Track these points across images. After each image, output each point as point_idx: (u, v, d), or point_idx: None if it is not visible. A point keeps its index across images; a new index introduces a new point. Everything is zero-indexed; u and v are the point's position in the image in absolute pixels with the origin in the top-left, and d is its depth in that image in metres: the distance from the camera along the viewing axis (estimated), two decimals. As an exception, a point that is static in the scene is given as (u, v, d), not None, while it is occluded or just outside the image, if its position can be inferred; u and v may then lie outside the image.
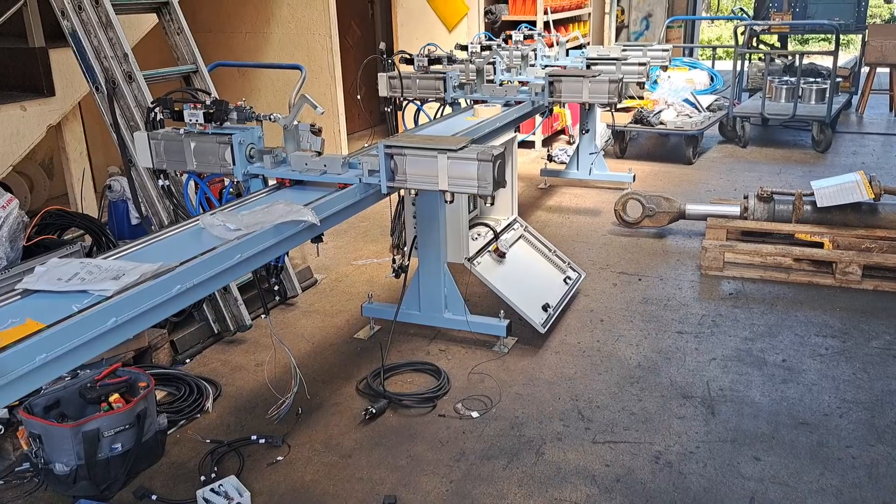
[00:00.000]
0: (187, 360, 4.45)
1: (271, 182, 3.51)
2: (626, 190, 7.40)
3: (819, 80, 9.94)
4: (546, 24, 8.79)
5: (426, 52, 5.50)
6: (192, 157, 3.47)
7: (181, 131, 3.49)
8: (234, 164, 3.40)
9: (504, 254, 4.71)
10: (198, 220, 2.84)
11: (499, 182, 3.06)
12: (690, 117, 8.65)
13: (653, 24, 12.06)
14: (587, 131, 6.68)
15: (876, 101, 11.41)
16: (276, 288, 3.61)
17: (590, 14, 10.29)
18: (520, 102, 5.24)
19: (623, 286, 5.30)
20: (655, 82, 9.41)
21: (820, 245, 5.48)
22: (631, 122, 8.62)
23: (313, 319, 4.96)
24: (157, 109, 3.57)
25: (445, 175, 3.09)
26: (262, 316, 4.96)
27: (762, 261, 5.50)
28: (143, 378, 3.59)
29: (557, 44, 7.17)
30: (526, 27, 7.12)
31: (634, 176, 7.45)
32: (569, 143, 9.40)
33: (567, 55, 7.17)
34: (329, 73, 7.41)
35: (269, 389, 4.05)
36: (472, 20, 8.84)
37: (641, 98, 9.15)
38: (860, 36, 11.26)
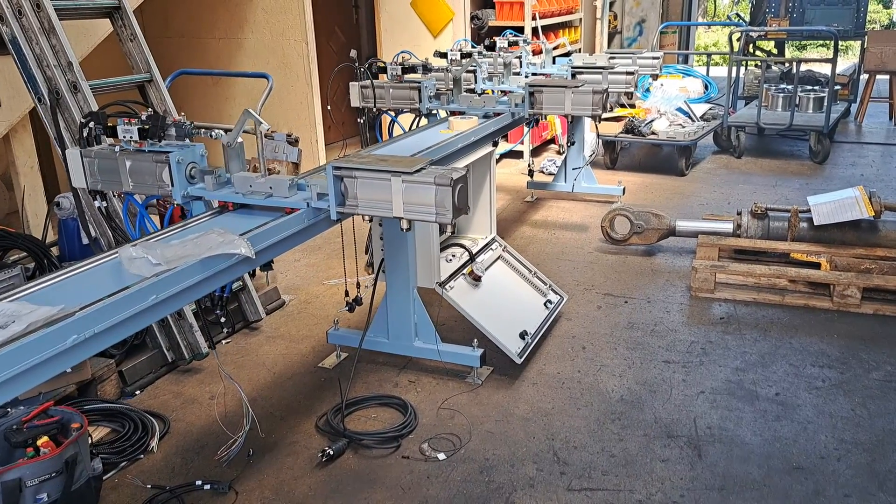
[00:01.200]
0: (137, 392, 4.13)
1: (217, 205, 3.20)
2: (614, 204, 7.11)
3: (817, 87, 9.64)
4: (534, 29, 8.49)
5: (400, 60, 5.19)
6: (127, 178, 3.16)
7: (117, 148, 3.18)
8: (172, 185, 3.09)
9: (479, 277, 4.40)
10: (117, 252, 2.53)
11: (460, 209, 2.76)
12: (683, 127, 8.34)
13: (646, 30, 11.76)
14: (573, 143, 6.37)
15: (875, 109, 11.12)
16: (223, 320, 3.29)
17: (581, 19, 10.00)
18: (499, 114, 4.93)
19: (608, 309, 4.99)
20: (648, 90, 9.11)
21: (816, 265, 5.18)
22: (622, 132, 8.32)
23: (277, 346, 4.65)
24: (90, 124, 3.26)
25: (400, 200, 2.78)
26: (224, 342, 4.67)
27: (756, 282, 5.19)
28: (76, 418, 3.27)
29: (544, 51, 6.86)
30: (511, 33, 6.81)
31: (624, 189, 7.15)
32: (559, 153, 9.10)
33: (553, 63, 6.87)
34: (305, 81, 7.11)
35: (221, 426, 3.73)
36: (457, 26, 8.54)
37: (633, 107, 8.85)
38: (859, 42, 10.96)
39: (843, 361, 4.26)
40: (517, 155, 8.98)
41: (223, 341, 4.68)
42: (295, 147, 7.54)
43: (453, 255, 4.54)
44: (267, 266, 3.21)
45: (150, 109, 3.21)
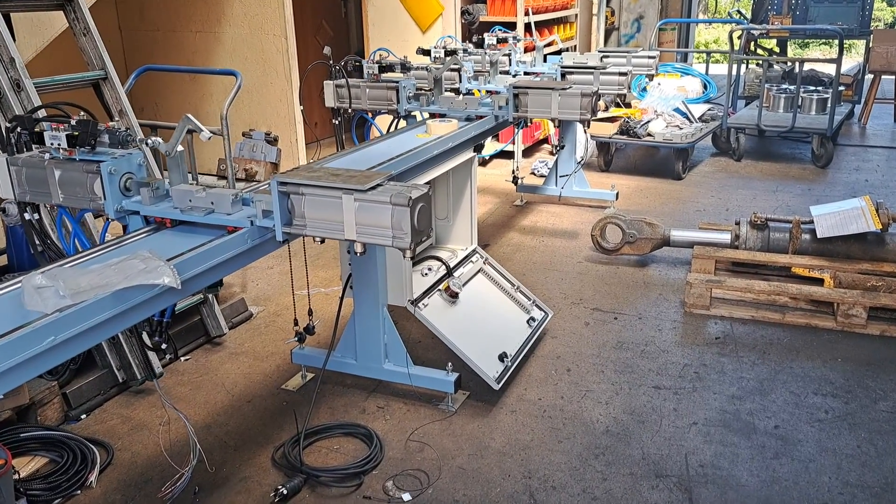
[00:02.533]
0: (82, 416, 3.81)
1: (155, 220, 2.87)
2: (607, 209, 6.79)
3: (820, 88, 9.31)
4: (527, 25, 8.16)
5: (377, 58, 4.86)
6: (57, 189, 2.84)
7: (46, 157, 2.85)
8: (104, 198, 2.76)
9: (457, 294, 4.08)
10: (20, 281, 2.20)
11: (420, 231, 2.43)
12: (681, 129, 8.01)
13: (644, 27, 11.41)
14: (563, 147, 6.04)
15: (880, 110, 10.78)
16: (164, 347, 2.97)
17: (577, 15, 9.66)
18: (481, 117, 4.61)
19: (596, 326, 4.67)
20: (644, 90, 8.78)
21: (819, 281, 4.86)
22: (616, 133, 7.98)
23: (239, 364, 4.33)
24: (17, 129, 2.93)
25: (353, 221, 2.46)
26: (182, 359, 4.35)
27: (754, 298, 4.87)
28: (0, 454, 2.96)
29: (535, 49, 6.53)
30: (500, 29, 6.48)
31: (617, 193, 6.82)
32: (551, 153, 8.76)
33: (545, 61, 6.54)
34: (285, 78, 6.78)
35: (168, 459, 3.41)
36: (447, 21, 8.21)
37: (629, 106, 8.51)
38: (864, 41, 10.62)
39: (847, 390, 3.94)
40: (508, 155, 8.64)
41: (181, 358, 4.36)
42: (274, 146, 7.24)
43: (429, 269, 4.23)
44: (213, 287, 2.89)
45: (81, 113, 2.88)
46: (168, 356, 3.04)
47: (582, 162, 6.54)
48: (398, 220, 2.39)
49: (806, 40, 17.33)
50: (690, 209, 6.89)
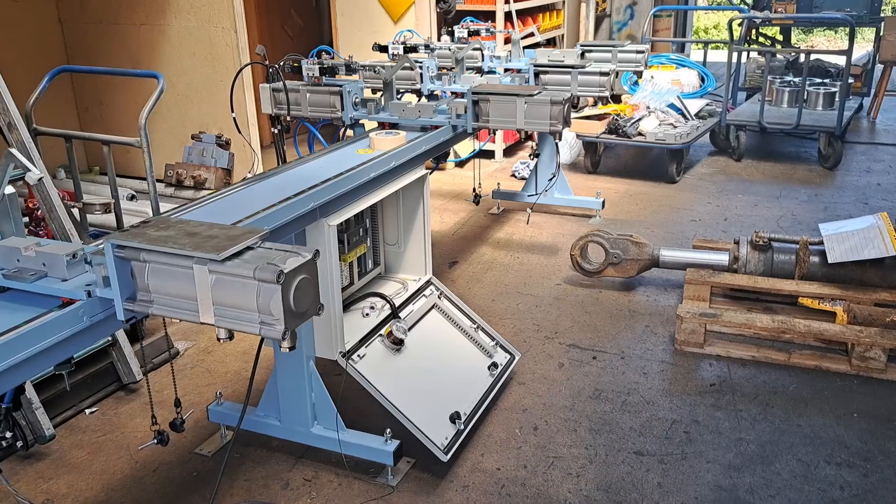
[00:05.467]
0: (-50, 493, 3.18)
1: None
2: (592, 217, 6.16)
3: (827, 81, 8.62)
4: (507, 14, 7.48)
5: (317, 60, 4.20)
6: None
7: None
8: (-90, 255, 2.12)
9: (401, 340, 3.44)
10: None
11: (301, 313, 1.79)
12: (675, 127, 7.34)
13: (638, 14, 10.69)
14: (538, 154, 5.37)
15: (890, 103, 10.08)
16: (9, 435, 2.34)
17: (564, 2, 8.96)
18: (437, 127, 3.95)
19: (572, 368, 4.04)
20: (637, 83, 8.10)
21: (830, 314, 4.22)
22: (604, 133, 7.31)
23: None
24: None
25: (209, 299, 1.81)
26: (87, 412, 3.73)
27: (755, 333, 4.24)
28: None
29: (512, 41, 5.86)
30: (471, 20, 5.81)
31: (604, 201, 6.17)
32: (532, 154, 8.09)
33: (523, 55, 5.87)
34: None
35: (36, 558, 2.79)
36: (421, 10, 7.52)
37: (618, 101, 7.82)
38: (874, 29, 9.93)
39: (865, 457, 3.31)
40: (489, 155, 7.99)
41: (87, 410, 3.74)
42: (226, 150, 6.59)
43: (371, 308, 3.60)
44: (64, 364, 2.24)
45: None
46: (19, 443, 2.41)
47: (555, 178, 5.82)
48: (265, 302, 1.74)
49: (808, 27, 16.57)
50: (685, 218, 6.24)
